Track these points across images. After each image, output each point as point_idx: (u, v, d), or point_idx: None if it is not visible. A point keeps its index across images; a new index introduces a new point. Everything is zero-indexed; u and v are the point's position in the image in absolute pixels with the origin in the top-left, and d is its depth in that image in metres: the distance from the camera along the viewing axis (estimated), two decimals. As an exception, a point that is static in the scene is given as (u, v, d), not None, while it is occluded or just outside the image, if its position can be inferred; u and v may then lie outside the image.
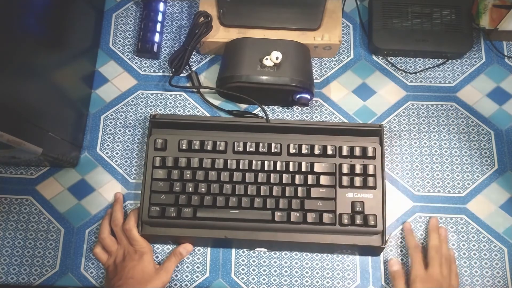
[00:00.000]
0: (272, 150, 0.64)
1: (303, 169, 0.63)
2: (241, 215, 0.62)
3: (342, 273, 0.65)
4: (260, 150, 0.64)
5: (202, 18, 0.67)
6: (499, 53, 0.74)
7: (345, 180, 0.63)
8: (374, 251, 0.64)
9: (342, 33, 0.73)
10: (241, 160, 0.63)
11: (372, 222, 0.61)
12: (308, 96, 0.67)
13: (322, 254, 0.66)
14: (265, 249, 0.66)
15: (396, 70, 0.74)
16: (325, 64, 0.74)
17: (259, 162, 0.63)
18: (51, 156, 0.61)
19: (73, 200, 0.68)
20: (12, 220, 0.67)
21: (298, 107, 0.72)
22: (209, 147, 0.64)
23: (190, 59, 0.74)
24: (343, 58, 0.75)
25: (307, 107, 0.72)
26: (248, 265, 0.66)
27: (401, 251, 0.66)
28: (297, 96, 0.67)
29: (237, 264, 0.66)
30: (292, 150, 0.64)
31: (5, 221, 0.67)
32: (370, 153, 0.64)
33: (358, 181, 0.63)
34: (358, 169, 0.63)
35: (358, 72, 0.74)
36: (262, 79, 0.65)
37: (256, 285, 0.65)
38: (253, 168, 0.63)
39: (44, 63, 0.59)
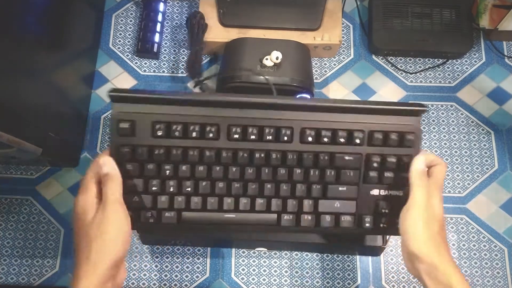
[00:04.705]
0: (281, 138, 0.49)
1: (321, 162, 0.49)
2: (239, 219, 0.50)
3: (343, 273, 0.65)
4: (265, 138, 0.49)
5: (193, 20, 0.67)
6: (499, 53, 0.74)
7: (372, 176, 0.50)
8: (374, 251, 0.64)
9: (342, 33, 0.73)
10: (238, 151, 0.49)
11: (398, 225, 0.49)
12: (308, 96, 0.67)
13: (323, 254, 0.66)
14: (265, 249, 0.66)
15: (396, 70, 0.74)
16: (325, 64, 0.74)
17: (262, 154, 0.49)
18: (51, 156, 0.61)
19: (73, 200, 0.68)
20: (12, 220, 0.67)
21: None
22: (195, 134, 0.48)
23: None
24: (343, 58, 0.75)
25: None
26: (248, 265, 0.66)
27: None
28: (297, 96, 0.67)
29: (237, 264, 0.66)
30: (307, 138, 0.49)
31: (5, 221, 0.67)
32: (407, 140, 0.50)
33: (388, 177, 0.50)
34: (390, 162, 0.49)
35: (358, 72, 0.74)
36: (262, 79, 0.65)
37: (256, 285, 0.65)
38: (255, 162, 0.49)
39: (44, 63, 0.59)
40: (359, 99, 0.72)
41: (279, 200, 0.50)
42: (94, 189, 0.44)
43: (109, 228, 0.41)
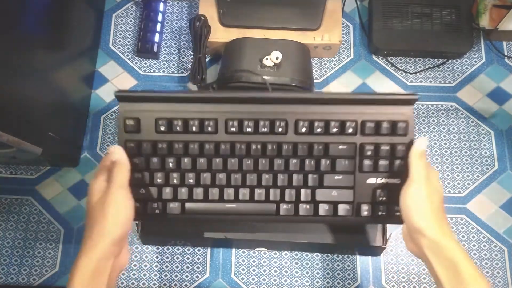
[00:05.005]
0: (276, 130, 0.51)
1: (315, 152, 0.51)
2: (239, 209, 0.52)
3: (343, 273, 0.65)
4: (260, 130, 0.51)
5: (197, 23, 0.67)
6: (499, 53, 0.74)
7: (367, 164, 0.51)
8: (374, 251, 0.64)
9: (342, 33, 0.73)
10: (236, 143, 0.51)
11: (398, 213, 0.50)
12: (308, 96, 0.67)
13: (323, 254, 0.66)
14: (265, 249, 0.66)
15: (396, 70, 0.74)
16: (325, 64, 0.74)
17: (259, 146, 0.51)
18: (51, 156, 0.61)
19: (73, 200, 0.68)
20: (12, 220, 0.67)
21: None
22: (195, 128, 0.51)
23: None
24: (343, 58, 0.75)
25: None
26: (248, 265, 0.66)
27: (401, 251, 0.66)
28: (297, 96, 0.67)
29: (237, 264, 0.66)
30: (301, 129, 0.51)
31: (5, 221, 0.67)
32: (400, 129, 0.51)
33: (383, 165, 0.51)
34: (384, 150, 0.51)
35: (358, 72, 0.74)
36: (262, 79, 0.65)
37: (256, 285, 0.65)
38: (251, 153, 0.51)
39: (44, 63, 0.59)
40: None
41: (277, 190, 0.52)
42: (104, 175, 0.47)
43: (110, 210, 0.44)
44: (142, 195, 0.51)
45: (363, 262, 0.66)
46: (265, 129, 0.51)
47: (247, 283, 0.65)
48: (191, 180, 0.52)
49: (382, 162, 0.51)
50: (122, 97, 0.51)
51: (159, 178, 0.51)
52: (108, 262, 0.44)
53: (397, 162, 0.51)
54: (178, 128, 0.51)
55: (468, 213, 0.67)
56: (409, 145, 0.50)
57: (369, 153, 0.51)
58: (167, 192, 0.52)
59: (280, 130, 0.51)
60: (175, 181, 0.52)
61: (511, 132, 0.70)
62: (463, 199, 0.68)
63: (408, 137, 0.51)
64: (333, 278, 0.65)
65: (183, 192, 0.52)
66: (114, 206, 0.45)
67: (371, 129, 0.51)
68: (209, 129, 0.51)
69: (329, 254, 0.66)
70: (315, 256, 0.66)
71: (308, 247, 0.65)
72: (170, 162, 0.51)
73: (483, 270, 0.65)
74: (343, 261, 0.66)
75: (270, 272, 0.65)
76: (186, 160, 0.51)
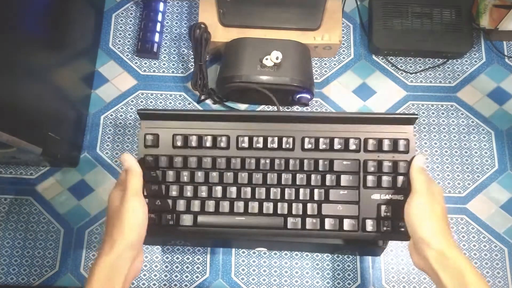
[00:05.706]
0: (283, 146, 0.55)
1: (321, 167, 0.55)
2: (248, 222, 0.55)
3: (343, 273, 0.65)
4: (269, 146, 0.55)
5: (197, 31, 0.66)
6: (499, 53, 0.74)
7: (371, 180, 0.54)
8: (374, 251, 0.64)
9: (342, 33, 0.73)
10: (246, 158, 0.55)
11: (402, 229, 0.53)
12: (308, 96, 0.67)
13: (323, 254, 0.66)
14: (265, 249, 0.66)
15: (396, 70, 0.74)
16: (325, 64, 0.74)
17: (267, 160, 0.55)
18: (51, 156, 0.61)
19: (73, 200, 0.68)
20: (12, 220, 0.67)
21: (298, 107, 0.72)
22: (208, 144, 0.55)
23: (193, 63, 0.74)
24: (343, 58, 0.75)
25: (307, 107, 0.72)
26: (248, 265, 0.65)
27: (402, 251, 0.66)
28: (297, 96, 0.67)
29: (237, 265, 0.66)
30: (307, 145, 0.55)
31: (5, 221, 0.67)
32: (401, 146, 0.54)
33: (386, 181, 0.54)
34: (386, 166, 0.54)
35: (358, 72, 0.74)
36: (262, 79, 0.65)
37: (256, 285, 0.65)
38: (260, 167, 0.55)
39: (44, 63, 0.59)
40: (359, 99, 0.72)
41: (285, 204, 0.55)
42: (121, 186, 0.51)
43: (126, 216, 0.48)
44: (157, 206, 0.55)
45: (363, 262, 0.65)
46: (274, 145, 0.55)
47: (247, 283, 0.65)
48: (203, 193, 0.55)
49: (385, 178, 0.54)
50: (143, 114, 0.56)
51: (174, 191, 0.55)
52: (126, 263, 0.47)
53: (400, 178, 0.54)
54: (193, 144, 0.55)
55: (468, 213, 0.67)
56: (411, 161, 0.53)
57: (372, 169, 0.54)
58: (181, 204, 0.55)
59: (287, 146, 0.55)
60: (188, 194, 0.55)
61: (511, 132, 0.70)
62: (463, 199, 0.68)
63: (409, 154, 0.54)
64: (333, 278, 0.65)
65: (195, 204, 0.55)
66: (129, 213, 0.48)
67: (374, 146, 0.54)
68: (222, 144, 0.55)
69: (329, 254, 0.66)
70: (315, 256, 0.66)
71: (308, 247, 0.65)
72: (185, 176, 0.55)
73: (483, 270, 0.65)
74: (343, 261, 0.66)
75: (270, 272, 0.65)
76: (199, 174, 0.55)
